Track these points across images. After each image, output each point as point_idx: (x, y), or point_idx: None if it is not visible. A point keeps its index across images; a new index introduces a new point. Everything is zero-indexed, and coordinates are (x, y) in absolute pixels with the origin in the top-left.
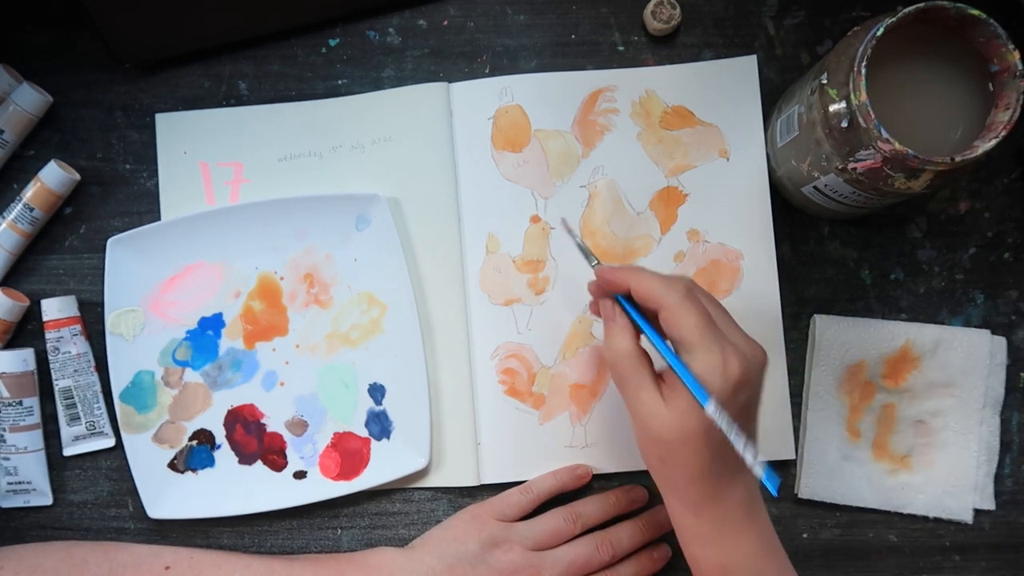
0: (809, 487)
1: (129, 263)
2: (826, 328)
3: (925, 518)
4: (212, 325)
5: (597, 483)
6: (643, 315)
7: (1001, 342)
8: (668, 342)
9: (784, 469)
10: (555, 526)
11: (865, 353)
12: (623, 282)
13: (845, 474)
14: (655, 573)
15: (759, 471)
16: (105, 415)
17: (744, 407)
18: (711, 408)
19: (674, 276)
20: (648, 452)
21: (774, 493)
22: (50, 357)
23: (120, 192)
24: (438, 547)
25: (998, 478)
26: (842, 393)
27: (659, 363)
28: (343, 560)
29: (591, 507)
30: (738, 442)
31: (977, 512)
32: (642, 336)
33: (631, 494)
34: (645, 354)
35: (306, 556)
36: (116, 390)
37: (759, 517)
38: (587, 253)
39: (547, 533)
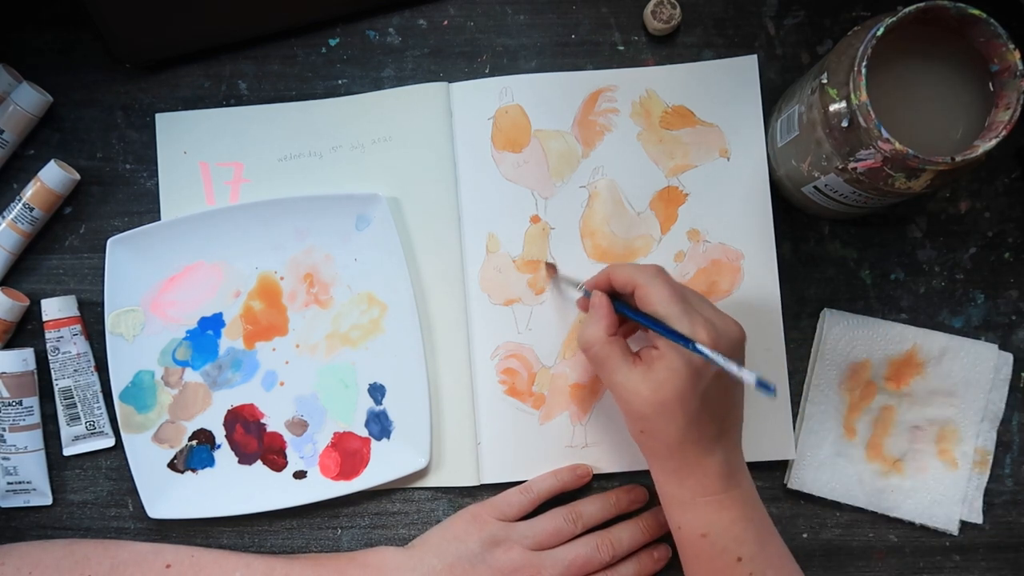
0: (799, 479)
1: (129, 263)
2: (835, 323)
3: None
4: (212, 325)
5: (597, 483)
6: (625, 303)
7: (1008, 358)
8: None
9: (783, 470)
10: (555, 526)
11: (871, 352)
12: (605, 278)
13: (836, 470)
14: (655, 573)
15: (750, 379)
16: (105, 415)
17: (721, 375)
18: (699, 347)
19: (648, 264)
20: (631, 426)
21: (772, 393)
22: (50, 357)
23: (120, 192)
24: (438, 546)
25: (998, 478)
26: (843, 390)
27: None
28: (343, 559)
29: (591, 507)
30: (729, 365)
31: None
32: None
33: (631, 494)
34: (619, 339)
35: (306, 555)
36: (116, 390)
37: (741, 486)
38: (574, 283)
39: (547, 533)
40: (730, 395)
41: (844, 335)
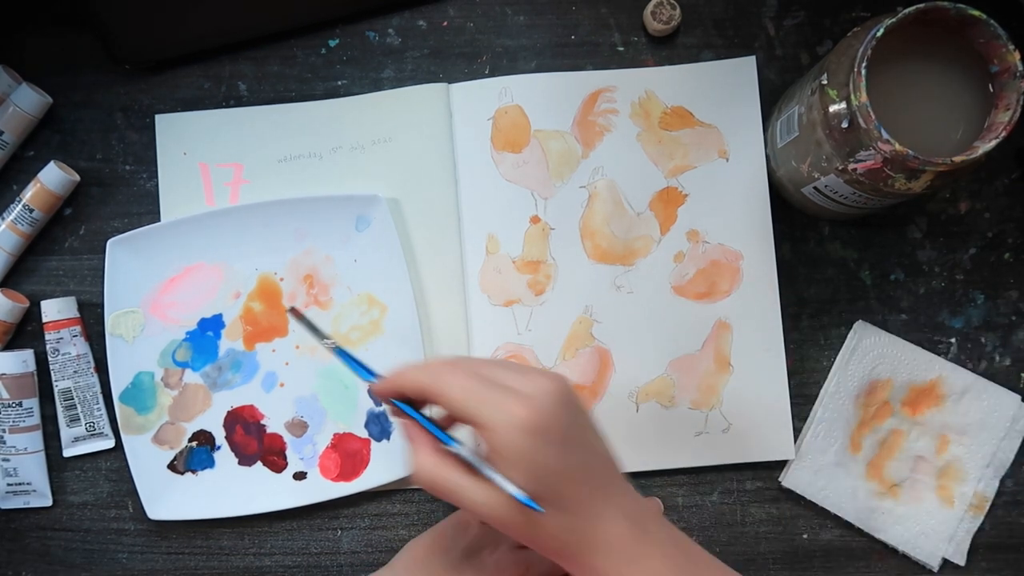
0: (794, 478)
1: (129, 264)
2: (865, 336)
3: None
4: (212, 326)
5: None
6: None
7: None
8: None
9: (781, 470)
10: None
11: (894, 373)
12: (393, 388)
13: (833, 479)
14: None
15: (512, 489)
16: (105, 416)
17: (565, 438)
18: (453, 447)
19: (433, 359)
20: (518, 539)
21: (537, 508)
22: (50, 358)
23: (120, 193)
24: (424, 560)
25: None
26: (858, 404)
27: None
28: None
29: None
30: (482, 466)
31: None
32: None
33: None
34: (448, 454)
35: None
36: (116, 391)
37: (657, 540)
38: (321, 335)
39: None
40: (590, 446)
41: (871, 350)
